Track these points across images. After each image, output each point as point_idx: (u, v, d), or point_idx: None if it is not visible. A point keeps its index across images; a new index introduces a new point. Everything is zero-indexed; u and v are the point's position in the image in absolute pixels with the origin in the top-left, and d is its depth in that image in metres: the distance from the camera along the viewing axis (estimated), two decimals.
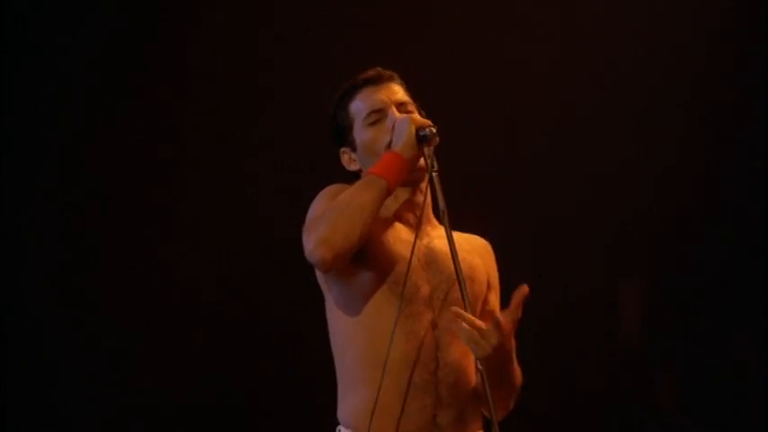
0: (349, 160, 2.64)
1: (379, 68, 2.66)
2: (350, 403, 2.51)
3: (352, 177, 2.62)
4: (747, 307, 4.34)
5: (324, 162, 2.79)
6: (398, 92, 2.63)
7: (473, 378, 2.56)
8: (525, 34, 4.35)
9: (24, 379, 4.18)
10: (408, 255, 2.48)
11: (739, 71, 4.37)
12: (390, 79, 2.64)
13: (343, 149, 2.65)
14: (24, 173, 4.23)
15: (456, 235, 2.54)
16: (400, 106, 2.60)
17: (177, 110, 4.29)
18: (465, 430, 2.51)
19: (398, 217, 2.61)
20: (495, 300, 2.67)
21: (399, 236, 2.56)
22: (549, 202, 4.34)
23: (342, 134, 2.65)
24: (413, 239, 2.53)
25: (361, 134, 2.60)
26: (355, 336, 2.51)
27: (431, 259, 2.55)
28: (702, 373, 4.31)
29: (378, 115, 2.57)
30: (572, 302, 4.30)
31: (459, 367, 2.50)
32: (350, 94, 2.64)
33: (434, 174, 2.44)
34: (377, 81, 2.62)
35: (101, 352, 4.18)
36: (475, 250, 2.68)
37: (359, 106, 2.62)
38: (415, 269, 2.51)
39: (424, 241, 2.58)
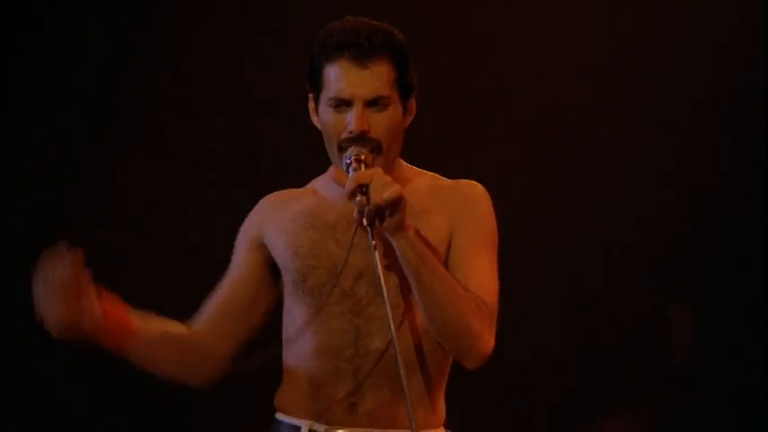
0: (312, 110, 2.43)
1: (364, 30, 2.34)
2: (280, 388, 2.50)
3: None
4: None
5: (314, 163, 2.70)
6: (377, 80, 2.34)
7: (421, 372, 2.41)
8: (551, 46, 4.29)
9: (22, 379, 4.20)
10: (323, 248, 2.40)
11: None
12: (374, 52, 2.33)
13: (310, 95, 2.43)
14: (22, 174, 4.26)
15: (434, 185, 2.46)
16: (371, 103, 2.34)
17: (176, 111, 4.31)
18: (396, 421, 2.36)
19: (318, 206, 2.47)
20: (469, 240, 2.41)
21: (311, 222, 2.44)
22: (592, 224, 4.27)
23: (312, 84, 2.41)
24: (335, 229, 2.41)
25: (323, 106, 2.38)
26: (283, 329, 2.49)
27: (347, 242, 2.36)
28: (750, 396, 4.23)
29: (341, 104, 2.34)
30: (618, 327, 4.24)
31: (383, 355, 2.36)
32: (329, 53, 2.35)
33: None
34: (358, 55, 2.33)
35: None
36: (438, 197, 2.45)
37: (329, 78, 2.36)
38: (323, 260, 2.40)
39: (342, 225, 2.41)
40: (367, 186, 2.24)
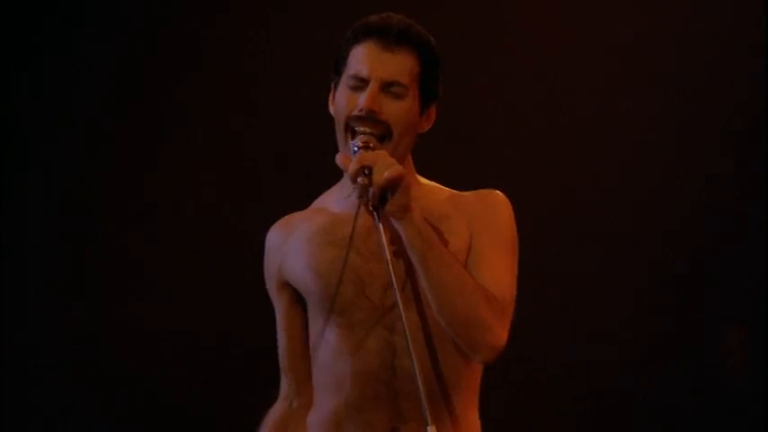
0: (331, 100, 2.35)
1: (397, 22, 2.29)
2: (311, 415, 2.37)
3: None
4: None
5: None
6: (399, 66, 2.28)
7: (450, 387, 2.29)
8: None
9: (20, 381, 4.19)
10: (340, 261, 2.27)
11: None
12: (402, 42, 2.28)
13: (332, 84, 2.36)
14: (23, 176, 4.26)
15: (454, 194, 2.37)
16: (388, 86, 2.27)
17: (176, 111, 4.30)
18: None
19: (332, 222, 2.35)
20: (486, 242, 2.31)
21: (329, 239, 2.32)
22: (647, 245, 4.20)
23: (336, 68, 2.34)
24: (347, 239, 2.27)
25: (341, 87, 2.31)
26: (312, 352, 2.36)
27: (368, 252, 2.28)
28: None
29: (357, 82, 2.27)
30: (674, 351, 4.17)
31: (424, 377, 2.16)
32: (358, 36, 2.30)
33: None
34: (385, 39, 2.27)
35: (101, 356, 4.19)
36: (457, 204, 2.36)
37: (353, 58, 2.30)
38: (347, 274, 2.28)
39: (360, 235, 2.28)
40: (370, 169, 2.17)
